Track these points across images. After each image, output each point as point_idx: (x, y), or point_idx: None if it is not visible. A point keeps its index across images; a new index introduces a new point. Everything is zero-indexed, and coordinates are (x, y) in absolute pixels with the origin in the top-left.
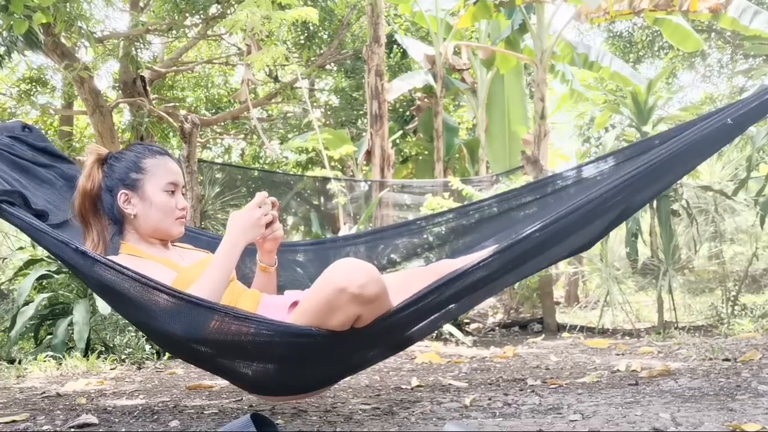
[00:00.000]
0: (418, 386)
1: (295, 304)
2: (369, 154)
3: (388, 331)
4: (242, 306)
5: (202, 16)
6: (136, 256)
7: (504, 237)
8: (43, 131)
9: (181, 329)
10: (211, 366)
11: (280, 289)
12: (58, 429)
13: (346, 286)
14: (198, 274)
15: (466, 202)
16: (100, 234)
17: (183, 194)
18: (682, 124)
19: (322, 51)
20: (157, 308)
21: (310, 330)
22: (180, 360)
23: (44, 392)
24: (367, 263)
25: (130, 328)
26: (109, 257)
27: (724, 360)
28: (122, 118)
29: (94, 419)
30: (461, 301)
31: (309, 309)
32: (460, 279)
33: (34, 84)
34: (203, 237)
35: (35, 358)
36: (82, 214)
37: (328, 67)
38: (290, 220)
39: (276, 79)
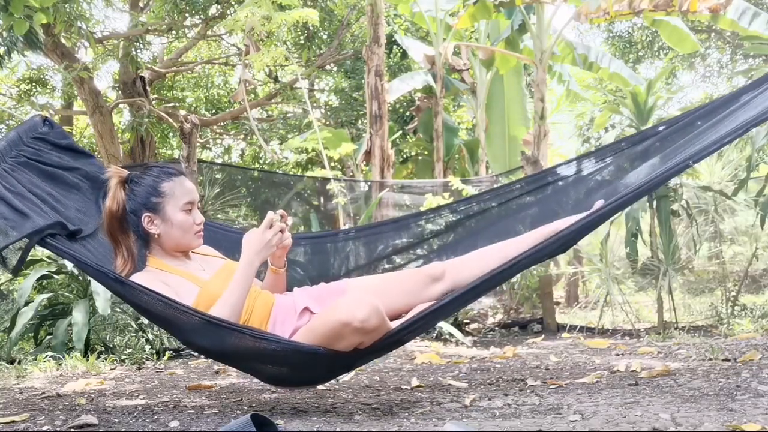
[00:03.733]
0: (418, 386)
1: (304, 309)
2: (369, 154)
3: (388, 346)
4: (257, 309)
5: (201, 16)
6: (161, 270)
7: (500, 232)
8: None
9: (207, 343)
10: (232, 364)
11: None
12: (58, 429)
13: (350, 321)
14: (218, 286)
15: (459, 199)
16: (129, 250)
17: (198, 208)
18: (672, 118)
19: (321, 51)
20: (186, 326)
21: (318, 349)
22: (180, 360)
23: (44, 392)
24: (370, 298)
25: (130, 328)
26: (136, 273)
27: (724, 360)
28: (122, 118)
29: (94, 419)
30: (455, 308)
31: (317, 332)
32: (456, 300)
33: (33, 84)
34: (226, 233)
35: (35, 359)
36: (111, 234)
37: (327, 67)
38: (290, 220)
39: (276, 80)
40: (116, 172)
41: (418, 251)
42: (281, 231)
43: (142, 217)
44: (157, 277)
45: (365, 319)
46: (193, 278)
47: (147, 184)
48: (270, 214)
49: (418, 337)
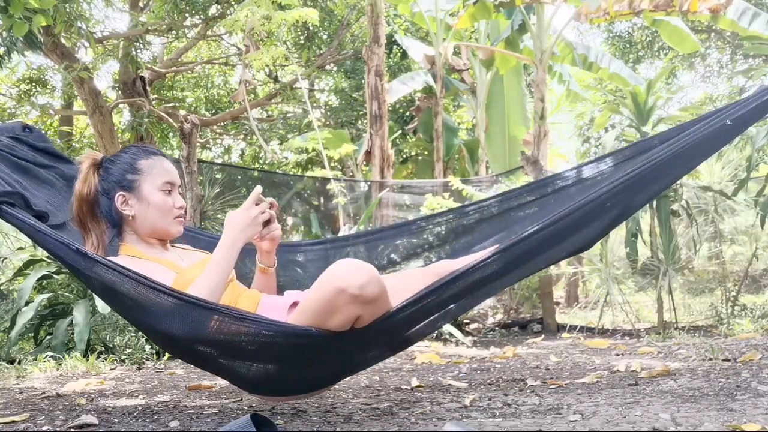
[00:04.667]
0: (417, 386)
1: (294, 305)
2: (369, 154)
3: (388, 332)
4: (241, 307)
5: (201, 16)
6: (135, 257)
7: (504, 237)
8: (43, 132)
9: (181, 329)
10: (211, 366)
11: (280, 290)
12: (58, 429)
13: (346, 287)
14: (198, 275)
15: (466, 202)
16: (99, 238)
17: (180, 193)
18: (681, 124)
19: (321, 51)
20: (157, 309)
21: (310, 330)
22: (180, 360)
23: (44, 392)
24: (367, 264)
25: (130, 328)
26: (108, 258)
27: (724, 360)
28: (122, 118)
29: (94, 419)
30: (461, 302)
31: (309, 309)
32: (460, 280)
33: (33, 84)
34: (203, 237)
35: (35, 359)
36: (80, 219)
37: (327, 67)
38: (290, 220)
39: (276, 80)
40: (90, 155)
41: (425, 254)
42: (269, 221)
43: (116, 197)
44: (129, 263)
45: (363, 285)
46: (170, 265)
47: (123, 161)
48: (257, 189)
49: None
